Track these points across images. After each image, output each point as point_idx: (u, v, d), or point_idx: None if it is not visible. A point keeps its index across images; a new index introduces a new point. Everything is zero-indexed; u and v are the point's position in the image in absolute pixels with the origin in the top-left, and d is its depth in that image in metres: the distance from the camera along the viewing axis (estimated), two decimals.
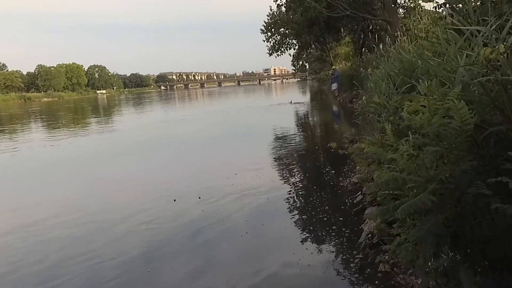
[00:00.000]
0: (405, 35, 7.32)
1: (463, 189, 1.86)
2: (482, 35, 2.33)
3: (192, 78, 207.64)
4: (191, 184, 6.82)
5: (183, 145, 11.48)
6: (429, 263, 1.98)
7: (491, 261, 1.85)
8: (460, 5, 3.82)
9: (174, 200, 5.77)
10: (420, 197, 1.77)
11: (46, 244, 4.64)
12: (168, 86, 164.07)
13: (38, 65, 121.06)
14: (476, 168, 1.87)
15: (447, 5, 3.90)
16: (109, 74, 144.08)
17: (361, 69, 13.84)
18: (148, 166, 8.68)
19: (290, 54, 36.97)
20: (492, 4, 2.59)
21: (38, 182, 8.01)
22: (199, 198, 5.78)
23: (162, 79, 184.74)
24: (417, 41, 6.29)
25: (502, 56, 1.98)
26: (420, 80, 3.39)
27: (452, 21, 3.62)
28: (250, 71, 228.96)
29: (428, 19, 8.59)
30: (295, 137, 11.64)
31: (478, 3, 3.08)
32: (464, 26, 2.69)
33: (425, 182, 1.84)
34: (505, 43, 2.04)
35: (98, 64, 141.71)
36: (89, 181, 7.62)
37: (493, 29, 2.25)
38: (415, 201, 1.79)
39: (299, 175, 7.10)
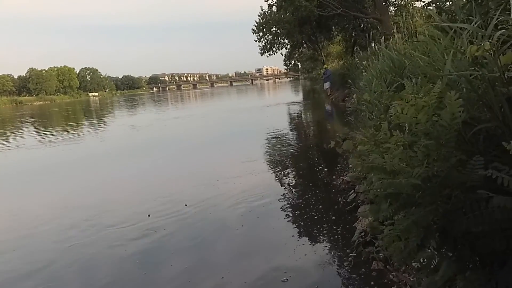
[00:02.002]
0: (398, 33, 7.35)
1: (452, 186, 1.88)
2: (466, 33, 2.35)
3: (185, 79, 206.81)
4: (186, 183, 6.83)
5: (180, 146, 11.46)
6: (416, 257, 2.00)
7: (481, 255, 1.87)
8: (448, 4, 3.85)
9: (148, 216, 5.20)
10: (403, 180, 1.79)
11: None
12: (160, 88, 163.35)
13: (29, 68, 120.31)
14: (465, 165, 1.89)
15: (434, 4, 3.93)
16: (101, 76, 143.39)
17: (357, 59, 13.73)
18: (137, 170, 8.63)
19: (282, 54, 37.08)
20: (478, 2, 2.61)
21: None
22: (185, 205, 5.55)
23: (154, 80, 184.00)
24: (407, 40, 6.33)
25: (488, 53, 2.00)
26: (409, 78, 3.42)
27: (440, 20, 3.64)
28: (243, 71, 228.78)
29: (418, 17, 8.64)
30: (288, 136, 11.65)
31: (464, 1, 3.10)
32: (451, 24, 2.71)
33: (413, 174, 1.85)
34: (490, 40, 2.06)
35: (90, 67, 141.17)
36: (80, 184, 7.59)
37: (478, 27, 2.27)
38: (396, 182, 1.81)
39: (292, 174, 7.11)
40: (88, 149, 12.80)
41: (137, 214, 5.36)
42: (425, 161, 1.91)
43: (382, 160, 2.15)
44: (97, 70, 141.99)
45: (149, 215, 5.24)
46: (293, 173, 7.26)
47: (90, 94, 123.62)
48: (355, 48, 25.97)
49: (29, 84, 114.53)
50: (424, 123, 1.90)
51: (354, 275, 3.32)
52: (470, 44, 2.31)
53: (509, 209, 1.64)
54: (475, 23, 2.27)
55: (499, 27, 2.28)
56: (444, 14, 3.66)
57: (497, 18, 2.14)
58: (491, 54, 1.94)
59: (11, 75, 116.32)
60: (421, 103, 1.90)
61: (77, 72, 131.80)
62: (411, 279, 2.85)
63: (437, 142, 1.85)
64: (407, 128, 2.28)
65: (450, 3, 3.93)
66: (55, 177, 8.68)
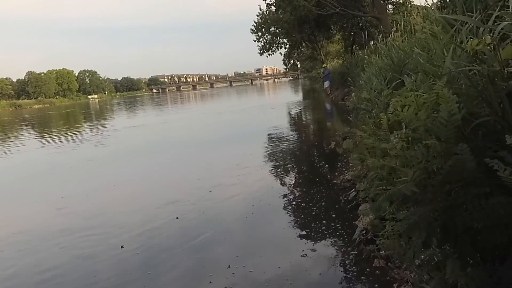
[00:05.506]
0: (397, 31, 7.34)
1: (453, 182, 1.87)
2: (467, 28, 2.35)
3: (184, 80, 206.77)
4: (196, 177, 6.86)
5: (188, 145, 11.48)
6: (420, 256, 1.99)
7: (482, 251, 1.86)
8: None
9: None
10: (404, 186, 1.78)
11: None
12: (160, 89, 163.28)
13: (28, 71, 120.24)
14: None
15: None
16: (100, 78, 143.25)
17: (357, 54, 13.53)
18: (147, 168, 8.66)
19: (281, 54, 37.02)
20: None
21: None
22: (209, 192, 5.88)
23: (154, 82, 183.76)
24: (406, 37, 6.32)
25: (488, 48, 1.99)
26: (409, 76, 3.41)
27: (440, 16, 3.64)
28: (242, 72, 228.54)
29: (417, 14, 8.62)
30: (289, 136, 11.62)
31: None
32: (451, 21, 2.70)
33: (413, 173, 1.85)
34: (491, 34, 2.05)
35: (89, 69, 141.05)
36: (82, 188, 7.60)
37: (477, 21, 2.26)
38: (399, 189, 1.81)
39: (293, 173, 7.12)
40: (83, 154, 12.52)
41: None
42: (423, 160, 1.91)
43: (381, 163, 2.15)
44: (96, 72, 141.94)
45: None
46: (294, 172, 7.26)
47: (89, 96, 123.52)
48: (354, 46, 26.00)
49: (28, 88, 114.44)
50: (424, 120, 1.89)
51: (356, 273, 3.31)
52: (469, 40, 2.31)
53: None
54: (475, 19, 2.27)
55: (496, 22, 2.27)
56: (444, 10, 3.66)
57: (497, 13, 2.13)
58: (491, 48, 1.93)
59: (9, 78, 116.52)
60: (421, 101, 1.89)
61: (76, 74, 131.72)
62: (413, 276, 2.84)
63: (437, 139, 1.85)
64: (405, 125, 2.28)
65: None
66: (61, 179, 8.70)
